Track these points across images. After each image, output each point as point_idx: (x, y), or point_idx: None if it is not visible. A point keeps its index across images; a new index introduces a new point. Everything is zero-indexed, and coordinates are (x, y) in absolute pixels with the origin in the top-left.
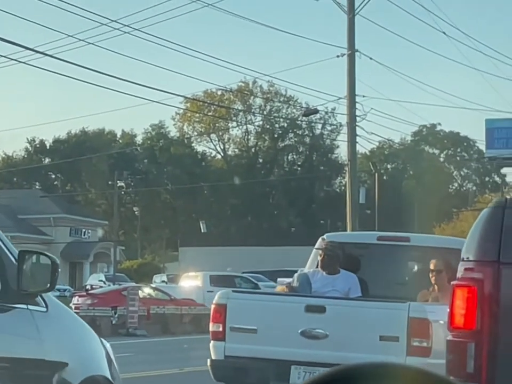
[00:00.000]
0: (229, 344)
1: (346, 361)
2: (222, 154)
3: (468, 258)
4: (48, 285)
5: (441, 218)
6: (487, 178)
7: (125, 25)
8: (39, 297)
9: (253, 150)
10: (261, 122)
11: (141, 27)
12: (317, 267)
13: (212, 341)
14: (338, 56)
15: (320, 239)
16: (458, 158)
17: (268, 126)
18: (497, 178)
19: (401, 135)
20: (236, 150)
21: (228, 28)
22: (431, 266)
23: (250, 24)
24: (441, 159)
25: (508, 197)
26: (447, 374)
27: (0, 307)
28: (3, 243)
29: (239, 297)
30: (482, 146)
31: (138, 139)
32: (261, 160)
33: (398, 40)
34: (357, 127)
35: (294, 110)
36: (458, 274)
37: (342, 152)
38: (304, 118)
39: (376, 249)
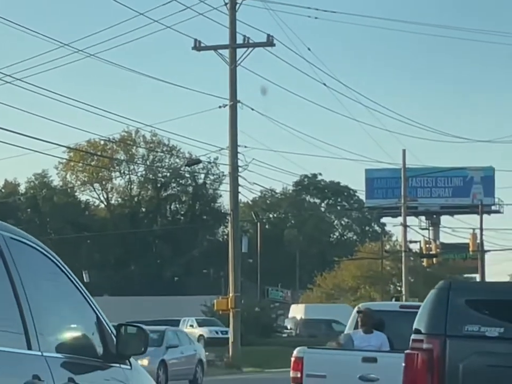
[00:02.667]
0: None
1: None
2: (105, 203)
3: (419, 330)
4: (142, 349)
5: (323, 267)
6: (367, 228)
7: (7, 75)
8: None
9: (136, 199)
10: (143, 172)
11: (23, 77)
12: (355, 328)
13: None
14: (220, 107)
15: (356, 307)
16: (339, 208)
17: (150, 176)
18: (377, 228)
19: (283, 185)
20: (119, 199)
21: (110, 78)
22: None
23: (133, 74)
24: (322, 209)
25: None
26: None
27: (103, 365)
28: (103, 318)
29: (313, 352)
30: (362, 196)
31: (21, 188)
32: (144, 210)
33: (280, 91)
34: (239, 177)
35: (177, 160)
36: (411, 344)
37: (225, 201)
38: (187, 167)
39: (399, 315)
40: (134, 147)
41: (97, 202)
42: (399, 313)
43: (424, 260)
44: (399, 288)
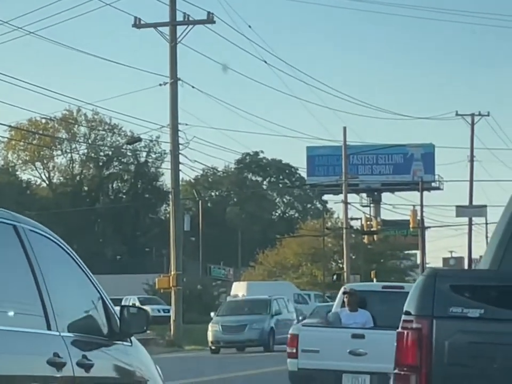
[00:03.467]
0: (301, 360)
1: (380, 372)
2: (47, 182)
3: (409, 312)
4: (145, 328)
5: (265, 245)
6: (309, 205)
7: None
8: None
9: (78, 178)
10: (85, 151)
11: None
12: (341, 307)
13: (288, 359)
14: (161, 85)
15: (343, 288)
16: (281, 185)
17: (92, 154)
18: (319, 205)
19: (225, 163)
20: (61, 178)
21: (51, 56)
22: None
23: (74, 52)
24: (264, 187)
25: (438, 268)
26: None
27: (108, 343)
28: (108, 301)
29: (307, 329)
30: (304, 173)
31: None
32: (86, 188)
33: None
34: (180, 155)
35: (119, 138)
36: (402, 324)
37: (166, 179)
38: (128, 146)
39: (381, 295)
40: (76, 126)
41: (39, 181)
42: (381, 293)
43: (365, 236)
44: (341, 265)
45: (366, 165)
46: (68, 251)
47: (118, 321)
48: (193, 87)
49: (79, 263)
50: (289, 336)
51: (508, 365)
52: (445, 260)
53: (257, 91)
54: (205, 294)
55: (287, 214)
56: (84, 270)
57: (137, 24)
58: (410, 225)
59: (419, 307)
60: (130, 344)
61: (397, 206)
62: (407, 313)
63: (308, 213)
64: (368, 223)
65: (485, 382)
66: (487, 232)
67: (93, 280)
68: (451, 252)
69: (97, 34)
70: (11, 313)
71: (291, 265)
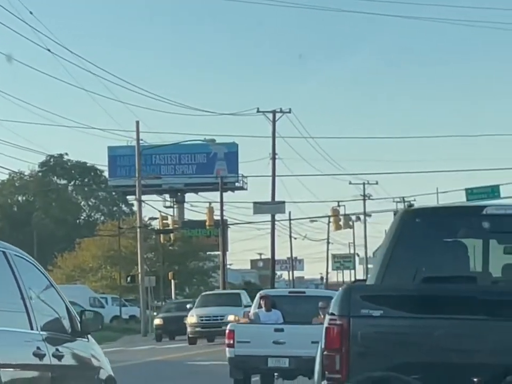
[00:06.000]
0: (236, 349)
1: (296, 355)
2: None
3: (333, 313)
4: (100, 326)
5: (65, 248)
6: (115, 208)
7: None
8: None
9: None
10: None
11: None
12: (259, 308)
13: (227, 348)
14: None
15: (259, 294)
16: (86, 188)
17: None
18: (125, 207)
19: (29, 166)
20: None
21: None
22: (319, 305)
23: None
24: (70, 190)
25: (354, 282)
26: (325, 370)
27: (72, 339)
28: (69, 306)
29: (240, 326)
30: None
31: None
32: None
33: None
34: None
35: None
36: (329, 322)
37: None
38: None
39: (288, 298)
40: None
41: None
42: (288, 296)
43: (161, 236)
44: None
45: (169, 165)
46: (41, 270)
47: (78, 322)
48: None
49: (49, 279)
50: (227, 331)
51: (398, 347)
52: (253, 262)
53: (45, 84)
54: None
55: (92, 218)
56: (52, 284)
57: None
58: (207, 223)
59: (340, 310)
60: (87, 340)
61: (199, 205)
62: (332, 314)
63: (113, 216)
64: (164, 221)
65: (384, 357)
66: (290, 231)
67: (59, 292)
68: (260, 254)
69: None
70: (6, 318)
71: (90, 268)
